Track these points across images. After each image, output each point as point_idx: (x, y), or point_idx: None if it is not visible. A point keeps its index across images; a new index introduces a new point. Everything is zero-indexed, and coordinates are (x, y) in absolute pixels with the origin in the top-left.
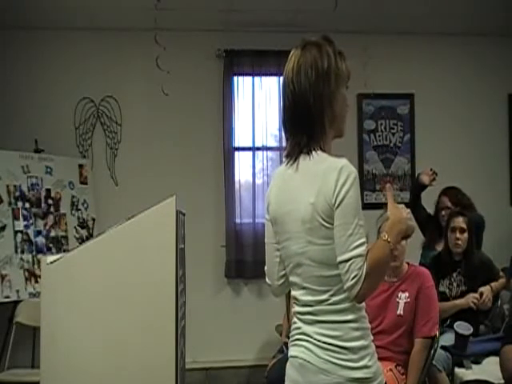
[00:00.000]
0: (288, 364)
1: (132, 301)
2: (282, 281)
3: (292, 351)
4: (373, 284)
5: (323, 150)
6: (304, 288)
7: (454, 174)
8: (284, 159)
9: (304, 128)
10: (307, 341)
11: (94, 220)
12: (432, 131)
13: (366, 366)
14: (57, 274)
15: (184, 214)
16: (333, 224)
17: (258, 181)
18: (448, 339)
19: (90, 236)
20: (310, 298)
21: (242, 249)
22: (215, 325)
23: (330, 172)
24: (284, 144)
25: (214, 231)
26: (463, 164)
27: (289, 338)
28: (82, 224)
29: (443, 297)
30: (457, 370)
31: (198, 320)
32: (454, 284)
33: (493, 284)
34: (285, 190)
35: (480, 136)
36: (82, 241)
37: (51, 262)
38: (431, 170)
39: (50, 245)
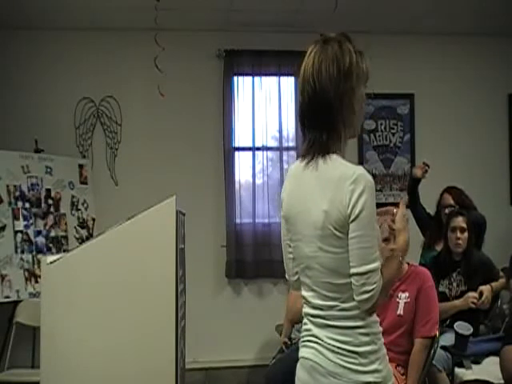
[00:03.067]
0: (298, 365)
1: (132, 301)
2: (297, 277)
3: (302, 352)
4: (384, 298)
5: (340, 151)
6: (313, 291)
7: (454, 173)
8: (300, 157)
9: (323, 125)
10: (318, 343)
11: (93, 220)
12: (432, 131)
13: (376, 370)
14: (57, 273)
15: (184, 214)
16: (344, 233)
17: (258, 181)
18: (448, 339)
19: (90, 236)
20: (319, 301)
21: (242, 249)
22: (215, 325)
23: (344, 180)
24: (284, 144)
25: (214, 231)
26: (463, 164)
27: (289, 338)
28: (82, 224)
29: (443, 297)
30: (457, 370)
31: (198, 320)
32: (454, 284)
33: (493, 284)
34: (298, 190)
35: (480, 136)
36: (82, 241)
37: (51, 262)
38: (424, 163)
39: (50, 245)
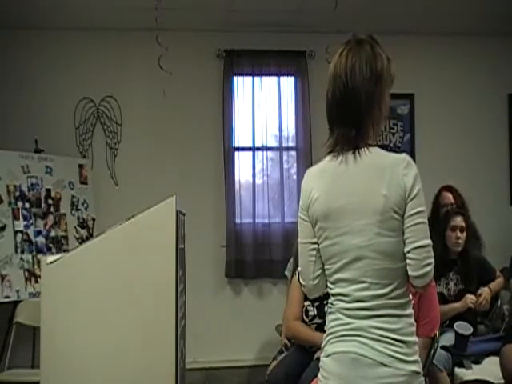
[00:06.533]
0: (330, 360)
1: (132, 301)
2: (317, 281)
3: (338, 347)
4: None
5: (372, 146)
6: (361, 282)
7: (454, 173)
8: (328, 154)
9: (352, 123)
10: (360, 335)
11: (93, 220)
12: (432, 131)
13: (417, 361)
14: (57, 273)
15: (184, 214)
16: (401, 216)
17: (258, 181)
18: (448, 339)
19: (90, 236)
20: (366, 292)
21: (242, 249)
22: (215, 325)
23: (397, 165)
24: (284, 144)
25: (214, 231)
26: (463, 164)
27: (289, 339)
28: (82, 224)
29: (441, 298)
30: (457, 369)
31: (198, 320)
32: (451, 283)
33: (491, 285)
34: (341, 184)
35: (480, 136)
36: (82, 241)
37: (51, 262)
38: None
39: (50, 245)
